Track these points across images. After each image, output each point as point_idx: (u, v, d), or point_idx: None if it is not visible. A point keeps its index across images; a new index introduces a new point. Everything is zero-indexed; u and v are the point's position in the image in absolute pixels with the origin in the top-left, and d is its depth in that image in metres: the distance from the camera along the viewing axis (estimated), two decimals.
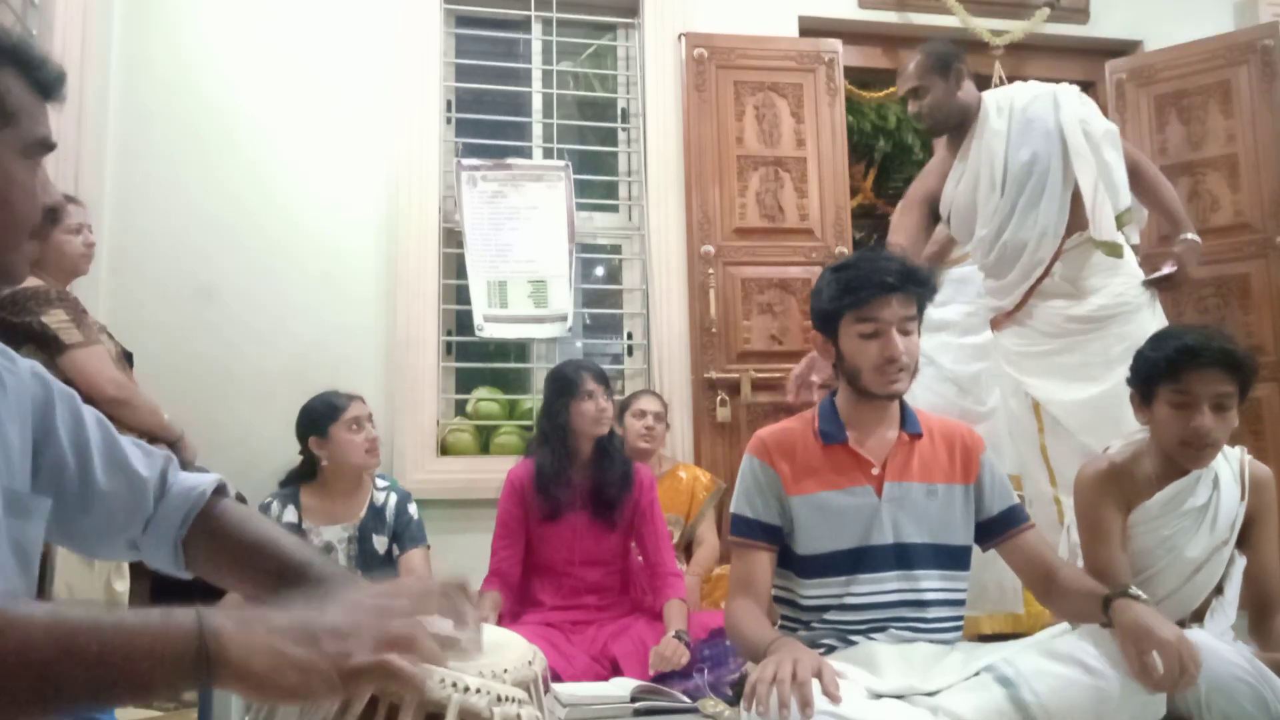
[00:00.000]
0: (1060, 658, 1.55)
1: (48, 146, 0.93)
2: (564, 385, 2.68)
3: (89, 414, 1.02)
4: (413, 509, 2.73)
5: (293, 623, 0.75)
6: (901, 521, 1.77)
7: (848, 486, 1.79)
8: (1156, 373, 1.94)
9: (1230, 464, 2.02)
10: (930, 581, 1.77)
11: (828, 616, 1.76)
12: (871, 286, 1.74)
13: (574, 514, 2.65)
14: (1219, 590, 2.00)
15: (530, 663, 0.97)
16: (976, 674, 1.58)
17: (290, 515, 2.65)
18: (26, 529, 0.92)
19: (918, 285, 1.78)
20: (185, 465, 2.69)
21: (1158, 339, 2.01)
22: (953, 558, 1.81)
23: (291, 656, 0.72)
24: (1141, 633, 1.50)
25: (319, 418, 2.67)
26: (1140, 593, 1.64)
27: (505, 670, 0.91)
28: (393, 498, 2.73)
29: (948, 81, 2.83)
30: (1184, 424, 1.90)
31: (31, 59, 0.91)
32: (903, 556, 1.77)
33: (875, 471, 1.80)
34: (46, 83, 0.93)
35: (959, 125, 2.87)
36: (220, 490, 1.08)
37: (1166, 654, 1.47)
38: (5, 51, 0.89)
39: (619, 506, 2.65)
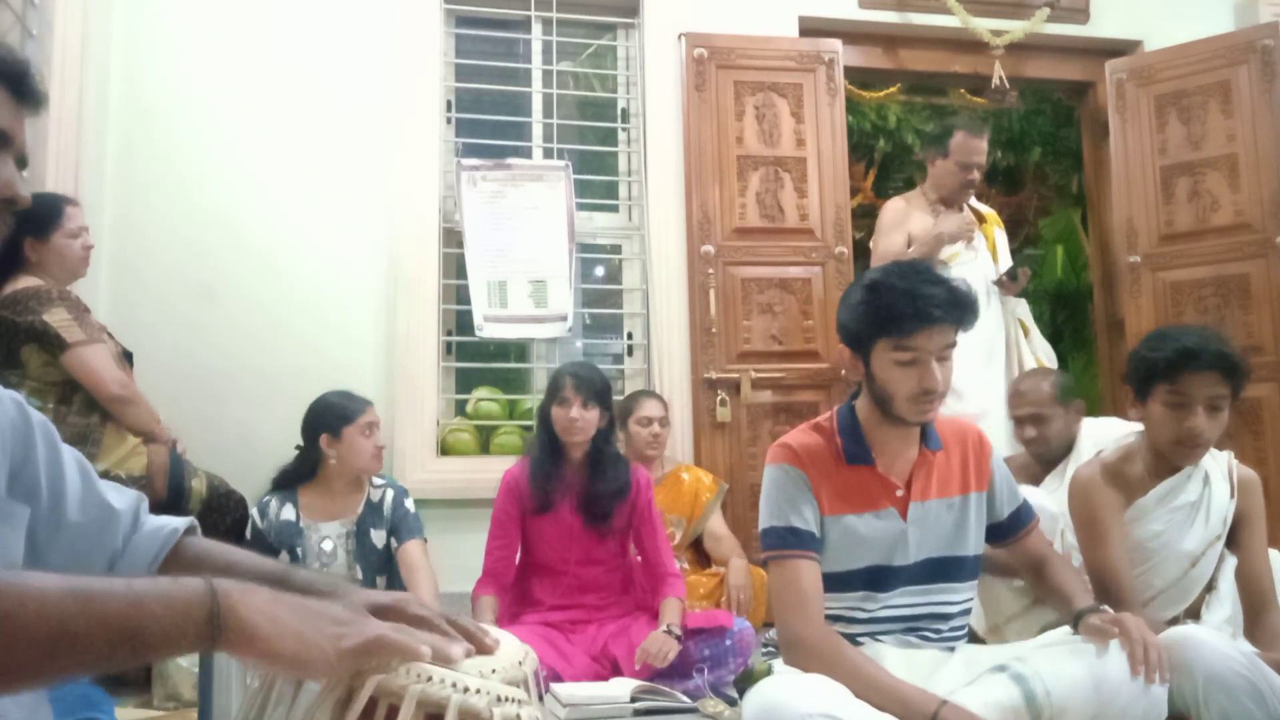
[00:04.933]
0: (1071, 657, 1.56)
1: None
2: (550, 386, 2.73)
3: (67, 450, 1.02)
4: (409, 503, 2.75)
5: (294, 601, 0.79)
6: (924, 540, 1.74)
7: (873, 510, 1.73)
8: (1154, 373, 1.96)
9: (1219, 463, 2.06)
10: (944, 595, 1.75)
11: (836, 627, 1.71)
12: (915, 318, 1.63)
13: (568, 515, 2.65)
14: (1211, 585, 2.02)
15: (520, 663, 0.95)
16: (986, 673, 1.59)
17: (289, 513, 2.65)
18: (6, 535, 0.92)
19: (962, 313, 1.66)
20: (180, 464, 2.68)
21: (1155, 339, 2.02)
22: (967, 569, 1.79)
23: (292, 627, 0.76)
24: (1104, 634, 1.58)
25: (335, 417, 2.68)
26: (1108, 609, 1.66)
27: (493, 670, 0.90)
28: (389, 493, 2.74)
29: (1067, 412, 2.77)
30: (1178, 424, 1.93)
31: None
32: (922, 574, 1.74)
33: (899, 494, 1.75)
34: (7, 74, 0.89)
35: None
36: (191, 530, 1.08)
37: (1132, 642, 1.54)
38: None
39: (612, 515, 2.65)
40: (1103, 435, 2.73)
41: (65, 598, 0.71)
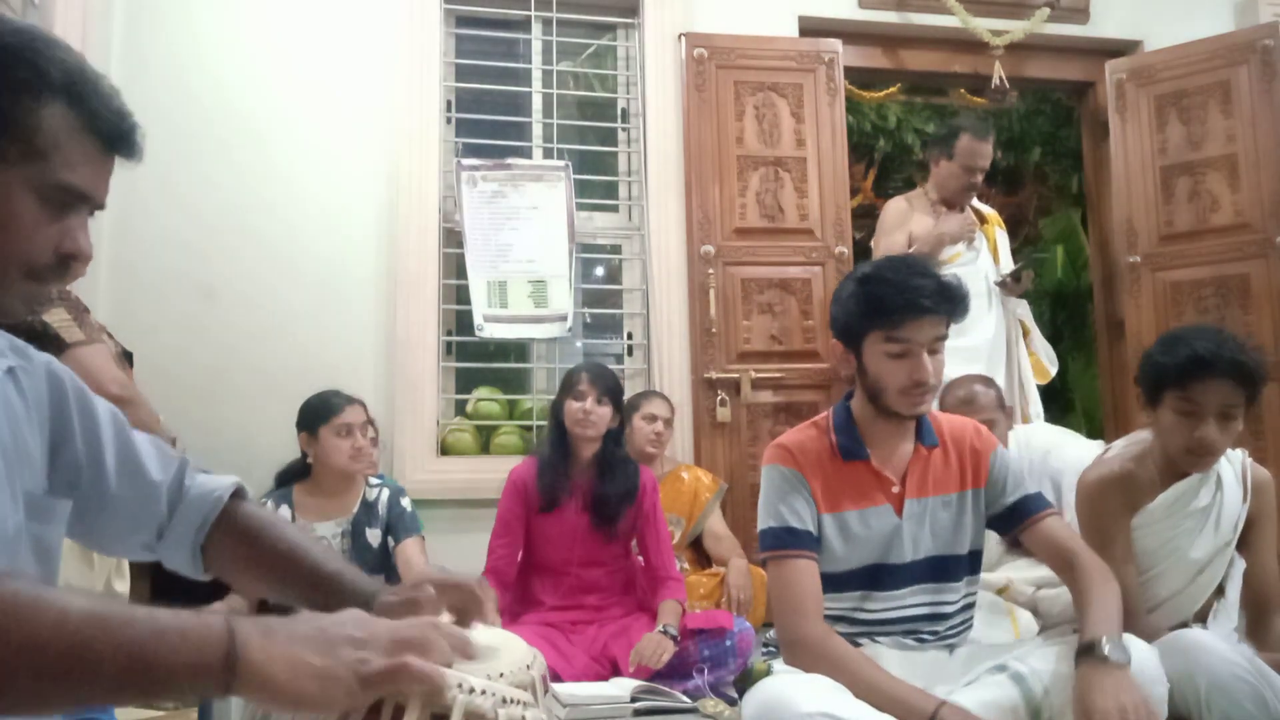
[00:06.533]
0: (1070, 657, 1.54)
1: (78, 196, 0.86)
2: (564, 381, 2.73)
3: (103, 412, 1.01)
4: (405, 501, 2.75)
5: (311, 632, 0.76)
6: (920, 538, 1.73)
7: (869, 506, 1.72)
8: (1165, 379, 1.89)
9: (1233, 465, 2.01)
10: (943, 595, 1.74)
11: (836, 628, 1.70)
12: (905, 309, 1.64)
13: (574, 515, 2.64)
14: (1220, 592, 2.00)
15: (528, 666, 0.95)
16: (985, 673, 1.58)
17: (284, 514, 2.65)
18: (48, 531, 0.92)
19: (952, 305, 1.68)
20: None
21: (1168, 343, 1.93)
22: (964, 566, 1.77)
23: (311, 665, 0.73)
24: (1081, 706, 1.42)
25: (312, 416, 2.69)
26: (1111, 655, 1.44)
27: (501, 674, 0.90)
28: (384, 492, 2.74)
29: (1008, 418, 2.85)
30: (1189, 433, 1.87)
31: (92, 103, 0.84)
32: (920, 572, 1.73)
33: (895, 490, 1.74)
34: (106, 133, 0.86)
35: None
36: (239, 493, 1.07)
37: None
38: (59, 84, 0.82)
39: (620, 518, 2.65)
40: (1038, 441, 2.78)
41: (85, 619, 0.69)
